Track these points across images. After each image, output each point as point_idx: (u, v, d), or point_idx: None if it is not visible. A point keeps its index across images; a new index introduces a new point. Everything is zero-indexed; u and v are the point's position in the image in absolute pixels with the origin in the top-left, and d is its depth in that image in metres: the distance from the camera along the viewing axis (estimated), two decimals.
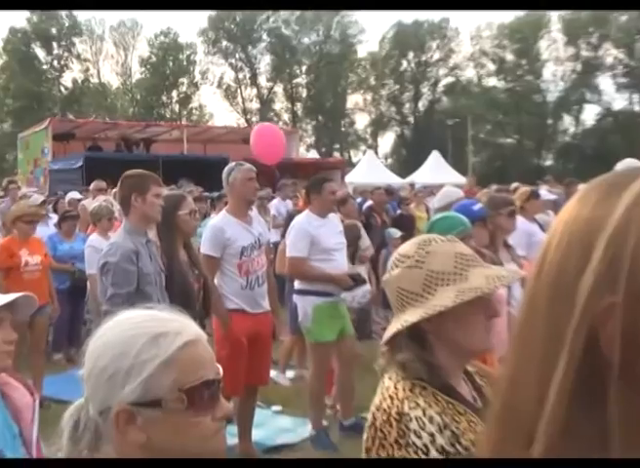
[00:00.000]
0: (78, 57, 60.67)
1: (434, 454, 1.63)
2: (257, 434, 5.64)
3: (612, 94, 62.40)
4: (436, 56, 62.45)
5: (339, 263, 5.79)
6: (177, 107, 64.28)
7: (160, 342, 1.24)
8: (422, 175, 28.14)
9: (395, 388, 1.76)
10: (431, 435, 1.65)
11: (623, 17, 52.55)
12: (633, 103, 56.27)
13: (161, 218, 4.30)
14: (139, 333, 1.25)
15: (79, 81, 60.56)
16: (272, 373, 6.54)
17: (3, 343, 2.18)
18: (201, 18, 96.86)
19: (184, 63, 63.03)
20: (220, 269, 5.26)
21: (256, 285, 5.30)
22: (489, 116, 57.02)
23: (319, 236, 5.69)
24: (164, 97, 63.79)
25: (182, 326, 1.29)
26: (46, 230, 8.52)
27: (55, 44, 58.58)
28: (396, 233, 9.07)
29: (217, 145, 23.21)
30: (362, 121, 68.41)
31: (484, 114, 55.35)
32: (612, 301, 0.69)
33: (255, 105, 65.49)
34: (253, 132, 11.94)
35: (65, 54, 59.80)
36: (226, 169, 5.38)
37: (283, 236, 7.25)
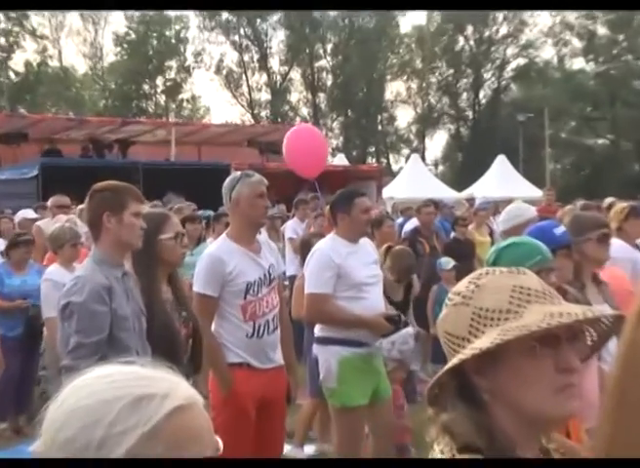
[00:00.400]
0: (33, 33, 61.18)
1: None
2: None
3: None
4: (503, 30, 62.76)
5: (373, 302, 5.80)
6: (162, 99, 64.94)
7: (142, 408, 1.24)
8: (485, 188, 28.11)
9: None
10: None
11: None
12: None
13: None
14: (114, 396, 1.26)
15: (34, 64, 61.03)
16: (287, 449, 6.52)
17: None
18: None
19: (173, 42, 63.83)
20: (219, 312, 5.26)
21: (265, 332, 5.30)
22: (573, 109, 57.02)
23: (348, 267, 5.70)
24: (146, 87, 64.55)
25: (171, 387, 1.29)
26: None
27: (1, 16, 58.45)
28: (449, 263, 9.06)
29: (215, 149, 23.43)
30: (405, 116, 68.83)
31: (567, 107, 55.33)
32: None
33: (264, 96, 66.15)
34: (288, 136, 12.07)
35: (16, 29, 60.10)
36: (228, 181, 5.40)
37: (301, 267, 7.27)
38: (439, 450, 1.82)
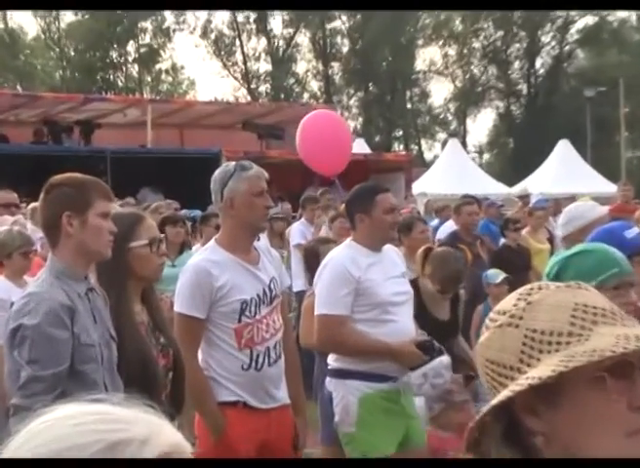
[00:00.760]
0: None
1: None
2: None
3: None
4: None
5: (401, 326, 5.82)
6: (135, 70, 65.02)
7: (117, 456, 1.27)
8: (542, 181, 28.07)
9: None
10: None
11: None
12: None
13: None
14: (82, 443, 1.27)
15: None
16: None
17: None
18: None
19: None
20: (207, 338, 5.29)
21: (265, 363, 5.31)
22: None
23: (369, 281, 5.73)
24: (114, 54, 64.62)
25: (152, 430, 1.30)
26: None
27: None
28: (498, 276, 9.04)
29: (201, 133, 23.47)
30: (441, 92, 68.68)
31: None
32: None
33: (264, 67, 66.27)
34: (302, 123, 12.08)
35: None
36: (218, 173, 5.39)
37: (310, 282, 7.28)
38: None
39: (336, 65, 65.39)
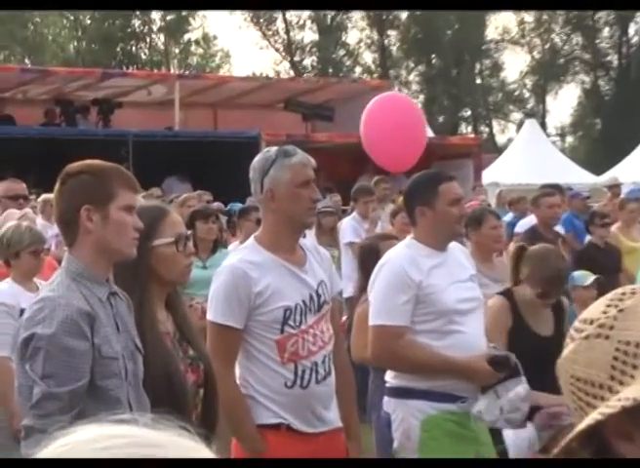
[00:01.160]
0: None
1: None
2: None
3: None
4: None
5: (470, 338, 5.82)
6: (161, 41, 65.23)
7: None
8: (636, 169, 27.90)
9: None
10: None
11: None
12: None
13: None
14: None
15: None
16: None
17: None
18: None
19: None
20: (244, 350, 5.31)
21: (312, 380, 5.31)
22: None
23: (432, 287, 5.74)
24: (136, 22, 64.85)
25: (188, 456, 1.33)
26: None
27: None
28: (587, 278, 9.02)
29: (237, 113, 23.50)
30: (516, 65, 68.37)
31: None
32: None
33: (309, 36, 66.14)
34: (367, 111, 12.10)
35: None
36: (258, 160, 5.40)
37: (364, 288, 7.27)
38: None
39: (393, 34, 65.25)
